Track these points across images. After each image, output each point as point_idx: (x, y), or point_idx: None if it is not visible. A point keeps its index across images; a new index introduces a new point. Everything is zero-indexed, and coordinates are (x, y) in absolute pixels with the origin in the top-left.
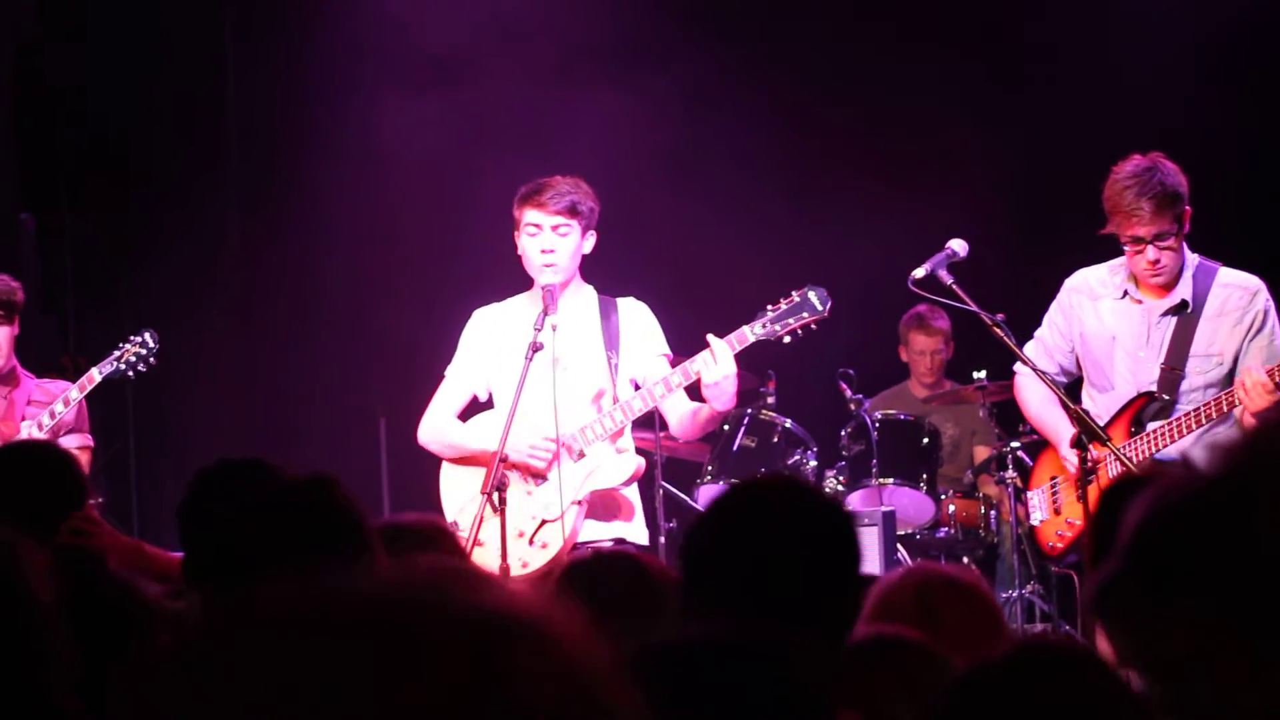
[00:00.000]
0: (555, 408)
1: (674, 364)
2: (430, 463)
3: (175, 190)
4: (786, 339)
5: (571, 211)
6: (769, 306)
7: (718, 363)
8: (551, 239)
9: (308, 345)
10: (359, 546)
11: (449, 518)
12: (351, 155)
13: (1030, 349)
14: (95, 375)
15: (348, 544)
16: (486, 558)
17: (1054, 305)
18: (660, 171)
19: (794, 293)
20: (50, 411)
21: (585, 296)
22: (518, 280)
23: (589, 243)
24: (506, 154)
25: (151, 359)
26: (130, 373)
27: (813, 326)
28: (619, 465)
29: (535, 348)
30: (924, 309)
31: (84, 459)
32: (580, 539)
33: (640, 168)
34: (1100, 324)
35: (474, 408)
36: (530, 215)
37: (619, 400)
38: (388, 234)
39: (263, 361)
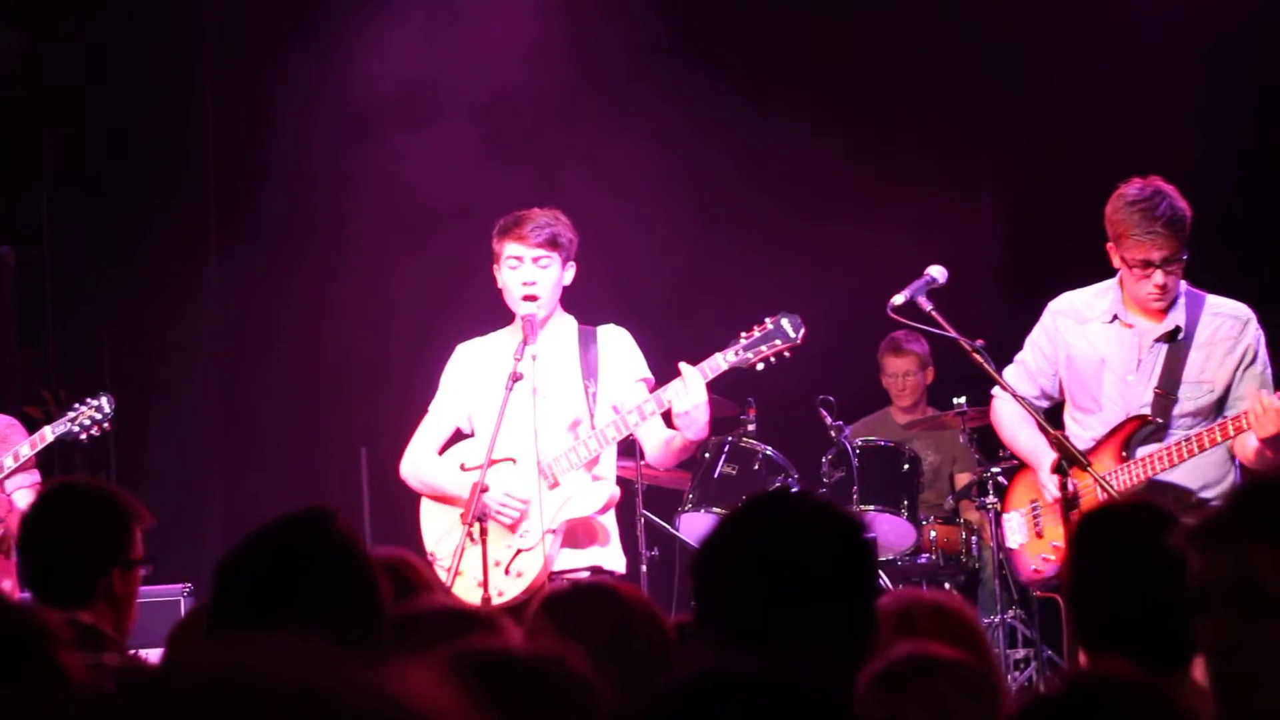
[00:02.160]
0: (536, 436)
1: (652, 389)
2: (411, 494)
3: (156, 222)
4: (759, 366)
5: (552, 244)
6: (742, 334)
7: (689, 391)
8: (533, 271)
9: (289, 375)
10: (363, 580)
11: (428, 548)
12: (335, 187)
13: (1010, 373)
14: (48, 434)
15: (350, 580)
16: (466, 587)
17: (1037, 328)
18: (641, 199)
19: (767, 320)
20: (14, 454)
21: (565, 326)
22: (502, 313)
23: (569, 274)
24: (492, 186)
25: (105, 424)
26: (83, 435)
27: (785, 354)
28: (594, 493)
29: (515, 378)
30: (900, 334)
31: (30, 498)
32: (556, 568)
33: (621, 195)
34: (1090, 346)
35: (457, 440)
36: (510, 248)
37: (595, 428)
38: (370, 265)
39: (245, 391)
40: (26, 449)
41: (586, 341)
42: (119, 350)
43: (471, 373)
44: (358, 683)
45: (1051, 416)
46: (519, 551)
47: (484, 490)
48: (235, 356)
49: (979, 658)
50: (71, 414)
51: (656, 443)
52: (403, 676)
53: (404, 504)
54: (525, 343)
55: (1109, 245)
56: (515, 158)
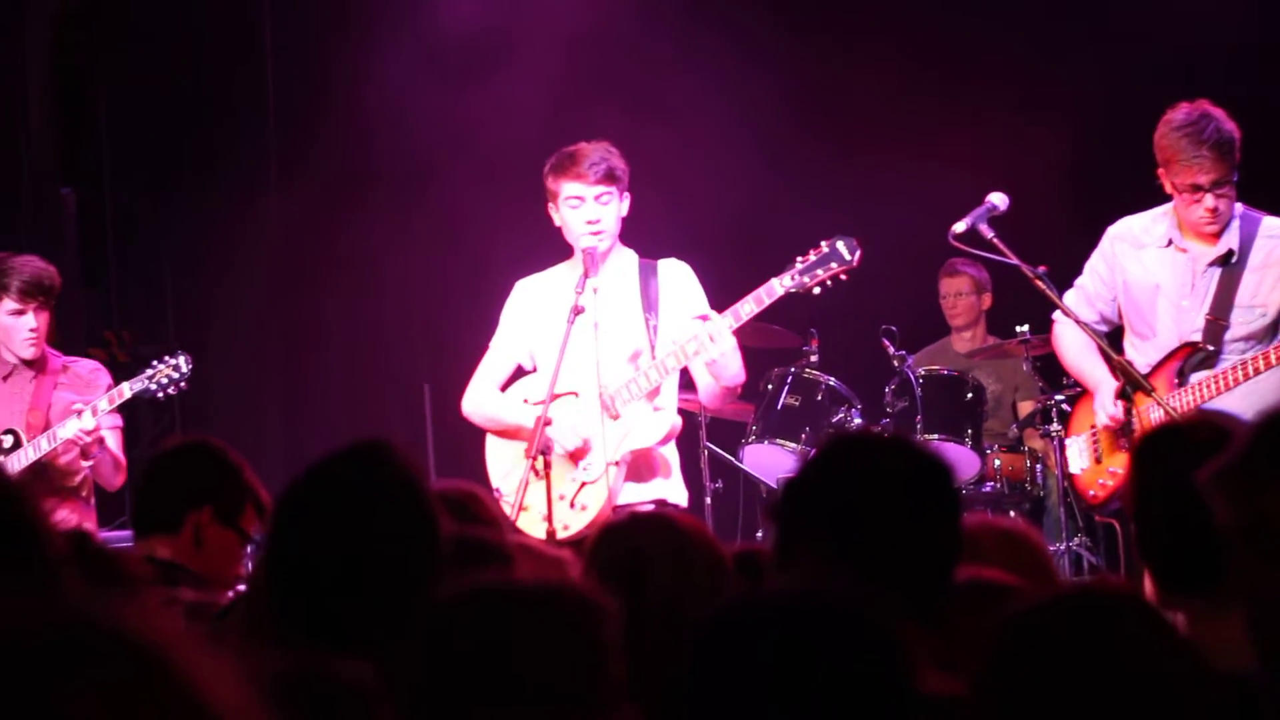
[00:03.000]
0: (598, 369)
1: None
2: (475, 431)
3: (216, 162)
4: (816, 290)
5: (610, 178)
6: (798, 259)
7: (715, 339)
8: (595, 209)
9: (350, 313)
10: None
11: (494, 484)
12: (397, 123)
13: (1070, 297)
14: (125, 390)
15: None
16: (531, 522)
17: (1096, 253)
18: (700, 132)
19: (822, 243)
20: (93, 409)
21: (626, 260)
22: (562, 249)
23: (626, 205)
24: (554, 121)
25: (183, 383)
26: (160, 394)
27: (842, 277)
28: (655, 424)
29: (577, 311)
30: (957, 258)
31: (115, 439)
32: (620, 500)
33: (681, 128)
34: (1145, 272)
35: (519, 377)
36: (570, 188)
37: (655, 359)
38: (432, 204)
39: (307, 329)
40: (105, 403)
41: (647, 275)
42: (181, 290)
43: (532, 309)
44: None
45: (1113, 341)
46: (583, 485)
47: (547, 424)
48: (296, 294)
49: (1045, 584)
50: (150, 371)
51: (703, 385)
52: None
53: (468, 441)
54: (586, 275)
55: (1159, 171)
56: (577, 94)
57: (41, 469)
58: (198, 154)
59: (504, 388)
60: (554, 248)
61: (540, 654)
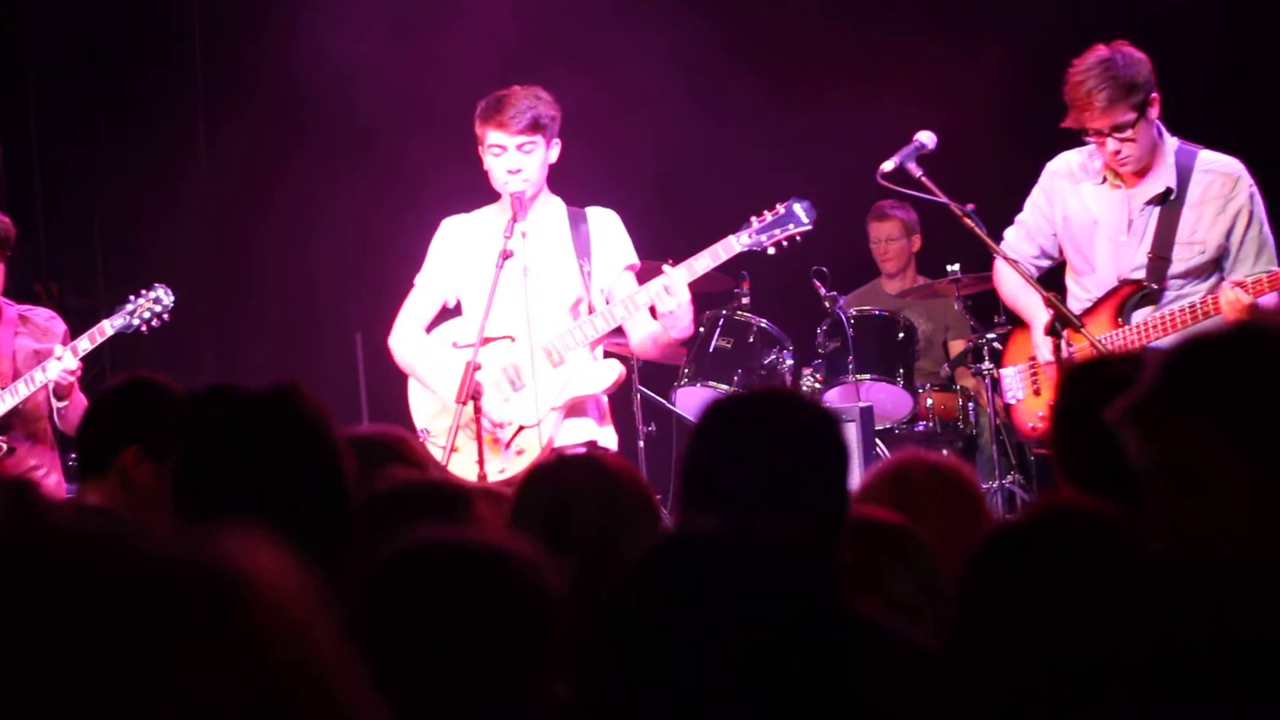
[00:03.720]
0: (529, 314)
1: (639, 275)
2: (406, 377)
3: (145, 112)
4: (771, 250)
5: (535, 127)
6: (754, 218)
7: (672, 292)
8: (517, 158)
9: (282, 263)
10: (326, 453)
11: (419, 425)
12: (321, 68)
13: (1012, 233)
14: (106, 328)
15: (314, 452)
16: (463, 465)
17: (1036, 188)
18: (633, 74)
19: (779, 205)
20: (73, 349)
21: (554, 207)
22: (489, 191)
23: (554, 152)
24: (478, 58)
25: (165, 315)
26: (144, 327)
27: (797, 239)
28: (600, 372)
29: (505, 255)
30: (885, 201)
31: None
32: (556, 445)
33: (608, 66)
34: (1082, 208)
35: (443, 316)
36: (493, 136)
37: (594, 308)
38: (364, 152)
39: (238, 279)
40: (86, 343)
41: (576, 222)
42: (110, 241)
43: (458, 248)
44: (159, 538)
45: (1054, 277)
46: (520, 428)
47: (477, 368)
48: (227, 244)
49: (976, 517)
50: (129, 306)
51: (643, 335)
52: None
53: (401, 388)
54: (515, 219)
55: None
56: (503, 37)
57: (12, 415)
58: (126, 104)
59: (429, 328)
60: (487, 195)
61: (486, 619)
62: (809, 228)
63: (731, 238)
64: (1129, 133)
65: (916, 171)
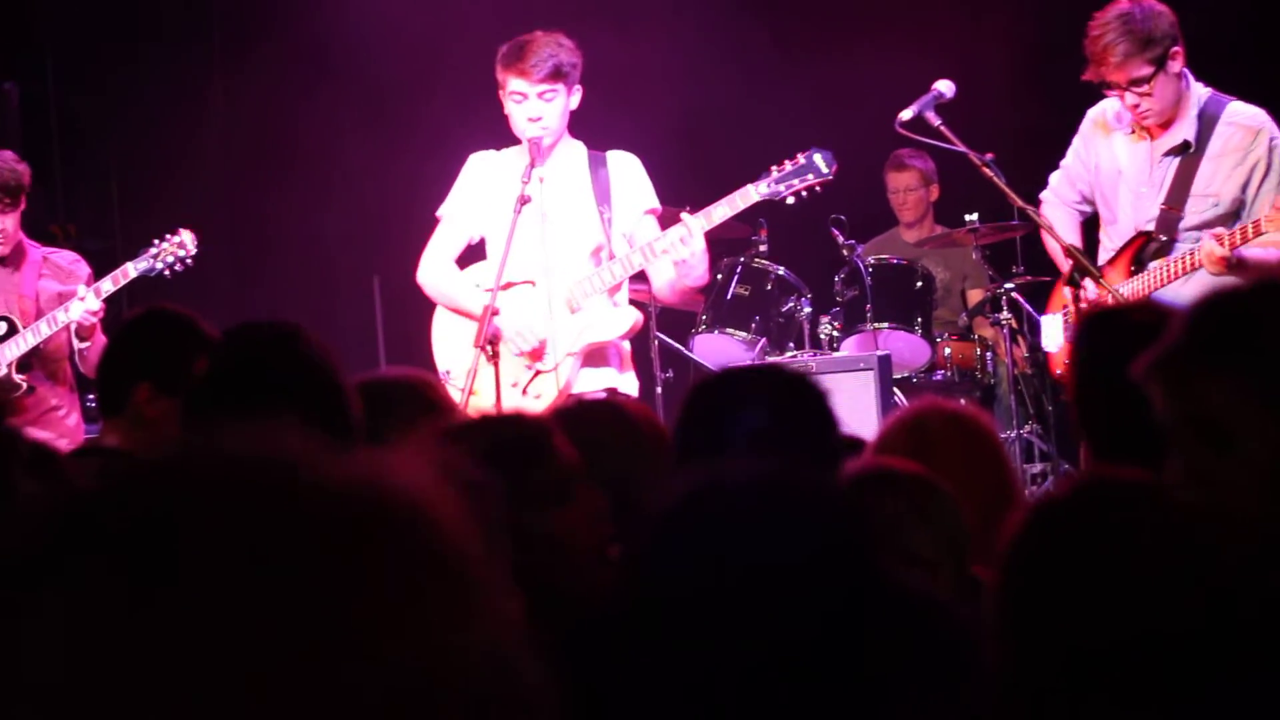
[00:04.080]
0: (547, 260)
1: (660, 219)
2: (425, 322)
3: (159, 51)
4: (790, 200)
5: (556, 75)
6: (773, 167)
7: (688, 240)
8: (538, 106)
9: (299, 205)
10: (331, 397)
11: (441, 367)
12: (339, 17)
13: (1055, 177)
14: (130, 270)
15: (319, 395)
16: (481, 408)
17: (1077, 134)
18: (652, 25)
19: (799, 155)
20: (96, 290)
21: (574, 152)
22: (512, 137)
23: (575, 99)
24: (505, 12)
25: (189, 260)
26: (166, 271)
27: (817, 189)
28: (616, 319)
29: (523, 200)
30: (903, 150)
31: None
32: (574, 391)
33: (634, 20)
34: (1111, 158)
35: (470, 252)
36: (514, 83)
37: (614, 255)
38: (379, 94)
39: (254, 223)
40: (108, 284)
41: (596, 166)
42: (126, 183)
43: (485, 184)
44: (331, 461)
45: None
46: (538, 373)
47: (494, 314)
48: (244, 186)
49: (995, 466)
50: (152, 250)
51: (663, 281)
52: (384, 460)
53: (418, 332)
54: (532, 165)
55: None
56: None
57: (33, 355)
58: (141, 45)
59: (457, 261)
60: (504, 140)
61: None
62: (829, 178)
63: (750, 187)
64: (1146, 87)
65: (935, 120)
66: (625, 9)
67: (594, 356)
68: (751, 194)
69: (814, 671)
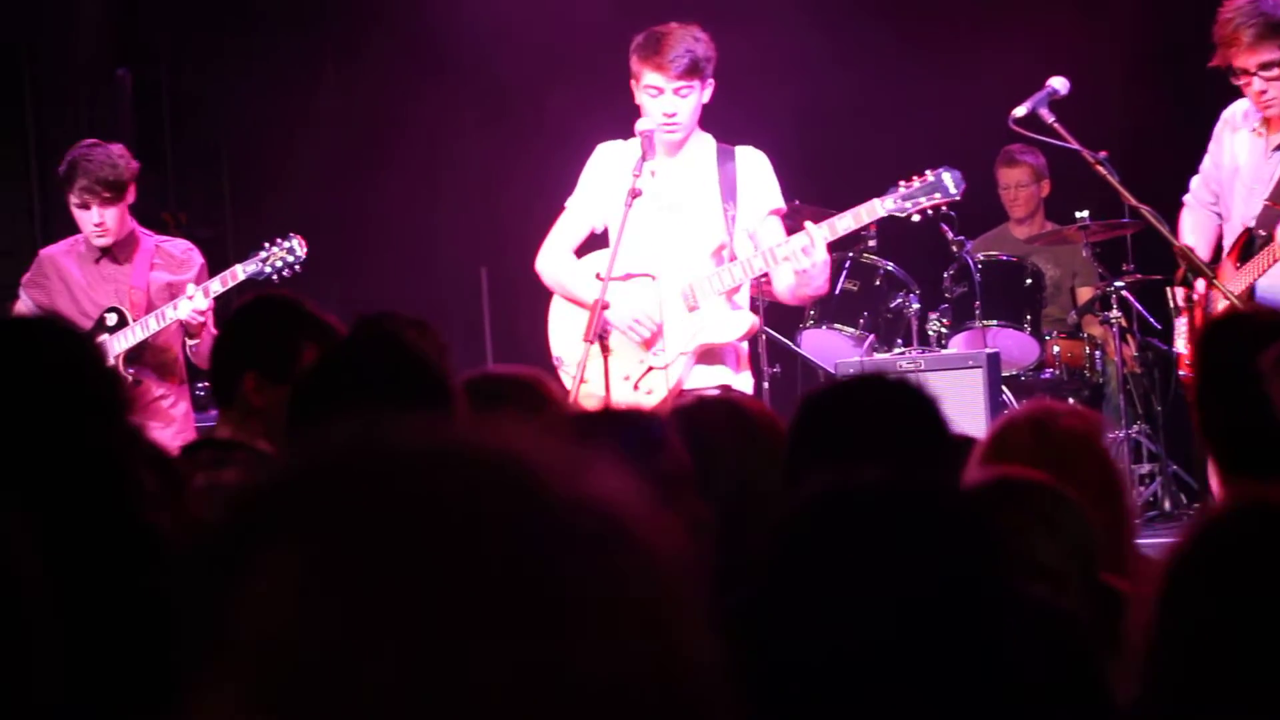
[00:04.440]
0: (662, 253)
1: (784, 220)
2: (531, 314)
3: (272, 38)
4: (916, 218)
5: (693, 71)
6: (901, 183)
7: (810, 251)
8: (673, 102)
9: (408, 195)
10: (433, 392)
11: (555, 353)
12: (452, 6)
13: (1195, 180)
14: (239, 273)
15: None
16: (594, 395)
17: (1212, 136)
18: (770, 23)
19: (929, 172)
20: (205, 289)
21: (704, 145)
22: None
23: (708, 93)
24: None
25: (297, 267)
26: (275, 276)
27: (943, 208)
28: (733, 322)
29: (634, 194)
30: (1015, 146)
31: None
32: (686, 386)
33: (753, 19)
34: (1233, 156)
35: (591, 243)
36: (650, 77)
37: (736, 254)
38: (492, 84)
39: (364, 212)
40: (217, 285)
41: (724, 160)
42: (237, 171)
43: (609, 174)
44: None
45: None
46: (650, 369)
47: (605, 307)
48: (354, 175)
49: (1104, 471)
50: (262, 254)
51: (783, 286)
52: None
53: (524, 324)
54: (644, 158)
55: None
56: None
57: (142, 347)
58: (254, 32)
59: (578, 252)
60: (618, 134)
61: None
62: (956, 198)
63: (876, 201)
64: (1275, 71)
65: (1049, 117)
66: (742, 6)
67: (709, 354)
68: (878, 209)
69: (954, 691)
